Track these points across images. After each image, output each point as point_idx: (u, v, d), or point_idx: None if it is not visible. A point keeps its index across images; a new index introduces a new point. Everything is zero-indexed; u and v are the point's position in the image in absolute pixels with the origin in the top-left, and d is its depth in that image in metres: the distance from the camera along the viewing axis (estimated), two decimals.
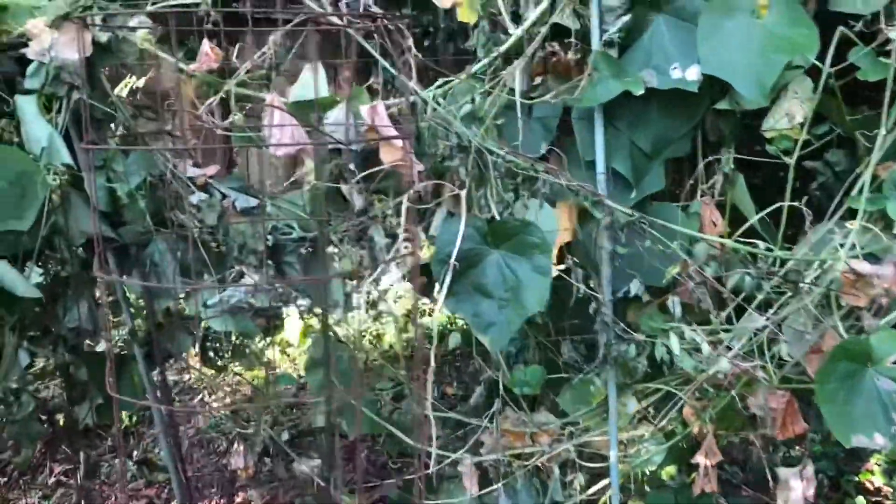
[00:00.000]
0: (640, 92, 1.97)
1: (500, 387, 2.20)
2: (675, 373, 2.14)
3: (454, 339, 4.96)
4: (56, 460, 3.73)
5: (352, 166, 1.95)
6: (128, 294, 2.48)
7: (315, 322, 2.41)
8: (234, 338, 2.70)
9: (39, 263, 2.59)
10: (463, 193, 1.80)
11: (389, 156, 1.88)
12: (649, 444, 2.22)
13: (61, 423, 3.05)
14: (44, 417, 3.10)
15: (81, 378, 2.65)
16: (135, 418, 3.99)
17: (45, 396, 3.60)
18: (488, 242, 1.85)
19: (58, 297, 2.59)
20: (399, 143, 1.85)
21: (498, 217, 1.92)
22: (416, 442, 2.34)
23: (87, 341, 2.73)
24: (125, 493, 3.31)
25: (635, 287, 1.91)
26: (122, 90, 2.64)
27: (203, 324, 2.36)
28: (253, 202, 2.28)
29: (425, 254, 2.29)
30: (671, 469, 2.54)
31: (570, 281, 2.03)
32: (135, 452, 3.85)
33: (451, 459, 2.08)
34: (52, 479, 3.63)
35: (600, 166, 2.08)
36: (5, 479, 3.57)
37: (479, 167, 1.90)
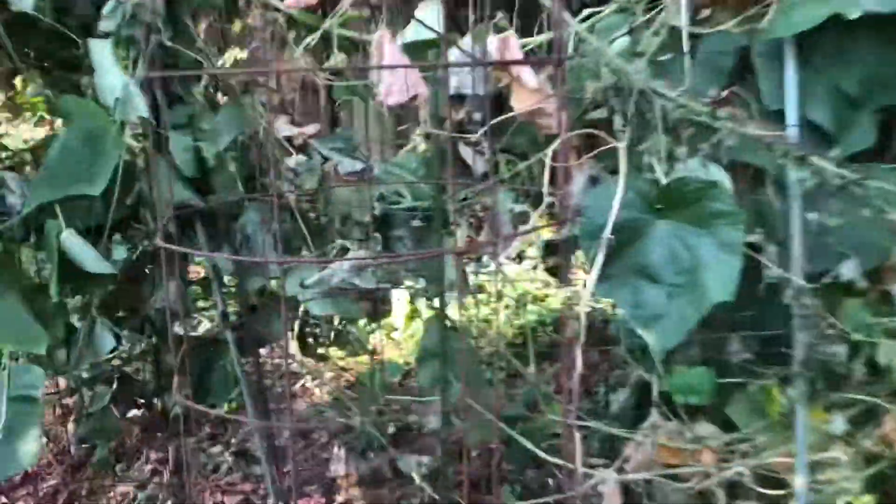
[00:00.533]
0: (857, 15, 1.50)
1: (654, 391, 1.79)
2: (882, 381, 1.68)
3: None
4: (153, 447, 3.56)
5: (477, 116, 1.58)
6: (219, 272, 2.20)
7: (427, 306, 2.06)
8: (336, 322, 2.39)
9: (123, 237, 2.35)
10: (622, 146, 1.40)
11: (524, 100, 1.50)
12: (843, 468, 1.77)
13: (159, 407, 2.84)
14: (141, 401, 2.91)
15: (170, 364, 2.41)
16: (234, 404, 3.77)
17: (143, 379, 3.42)
18: (655, 210, 1.44)
19: (145, 275, 2.34)
20: (535, 83, 1.46)
21: (664, 179, 1.50)
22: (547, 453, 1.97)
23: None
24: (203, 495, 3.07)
25: (850, 270, 1.46)
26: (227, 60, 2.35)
27: (301, 307, 2.04)
28: (358, 165, 1.94)
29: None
30: (869, 499, 2.06)
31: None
32: (232, 440, 3.64)
33: (595, 480, 1.69)
34: (149, 467, 3.46)
35: (791, 116, 1.63)
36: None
37: (640, 115, 1.49)
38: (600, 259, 1.42)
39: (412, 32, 1.78)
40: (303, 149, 1.94)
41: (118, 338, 2.35)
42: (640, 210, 1.44)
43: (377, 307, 1.93)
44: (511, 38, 1.47)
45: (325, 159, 1.94)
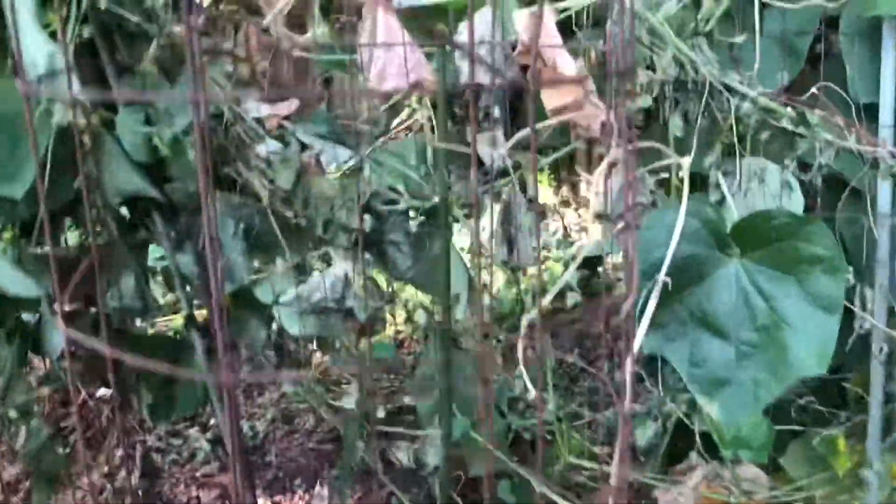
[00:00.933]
0: None
1: (696, 438, 1.50)
2: None
3: (574, 298, 4.27)
4: (123, 429, 3.30)
5: (496, 112, 1.24)
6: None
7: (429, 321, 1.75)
8: None
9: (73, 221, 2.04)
10: (686, 162, 1.07)
11: (559, 94, 1.16)
12: None
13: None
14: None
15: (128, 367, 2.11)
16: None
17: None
18: (724, 246, 1.12)
19: (99, 263, 2.03)
20: (574, 73, 1.13)
21: (730, 200, 1.18)
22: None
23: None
24: None
25: None
26: None
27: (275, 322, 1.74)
28: (344, 155, 1.61)
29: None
30: None
31: None
32: (211, 422, 3.38)
33: None
34: (119, 453, 3.20)
35: (887, 114, 1.31)
36: (68, 450, 3.16)
37: (707, 115, 1.16)
38: (652, 304, 1.10)
39: None
40: (278, 133, 1.60)
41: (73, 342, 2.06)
42: (704, 244, 1.12)
43: (368, 324, 1.62)
44: (546, 14, 1.13)
45: (304, 147, 1.60)
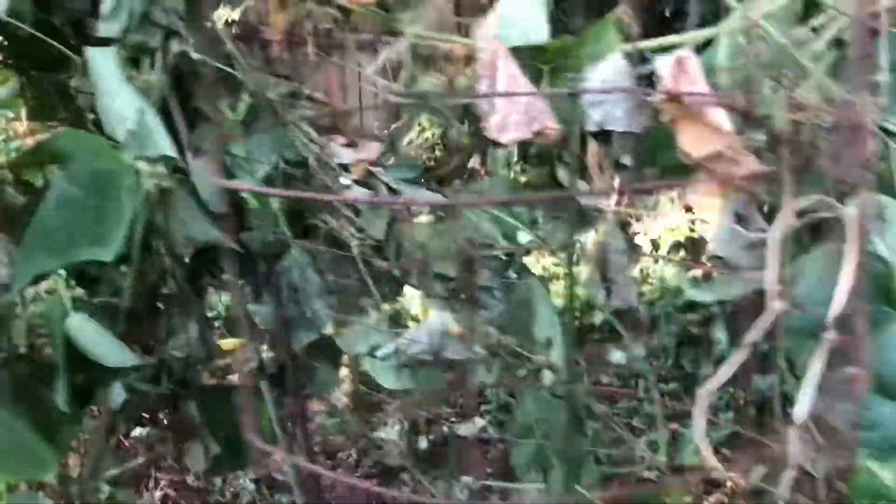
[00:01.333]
0: None
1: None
2: None
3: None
4: (161, 468, 3.21)
5: (627, 160, 1.18)
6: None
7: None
8: None
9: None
10: (851, 212, 1.01)
11: (703, 142, 1.09)
12: None
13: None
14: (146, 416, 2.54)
15: (191, 417, 2.03)
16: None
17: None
18: (891, 301, 1.06)
19: (158, 314, 1.94)
20: (727, 124, 1.06)
21: (884, 250, 1.11)
22: None
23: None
24: None
25: None
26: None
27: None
28: (433, 199, 1.53)
29: None
30: None
31: None
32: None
33: None
34: (159, 494, 3.11)
35: None
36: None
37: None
38: (818, 366, 1.04)
39: (501, 26, 1.35)
40: (365, 178, 1.53)
41: (131, 390, 1.97)
42: (870, 299, 1.05)
43: (465, 376, 1.55)
44: (690, 59, 1.06)
45: (392, 191, 1.53)
